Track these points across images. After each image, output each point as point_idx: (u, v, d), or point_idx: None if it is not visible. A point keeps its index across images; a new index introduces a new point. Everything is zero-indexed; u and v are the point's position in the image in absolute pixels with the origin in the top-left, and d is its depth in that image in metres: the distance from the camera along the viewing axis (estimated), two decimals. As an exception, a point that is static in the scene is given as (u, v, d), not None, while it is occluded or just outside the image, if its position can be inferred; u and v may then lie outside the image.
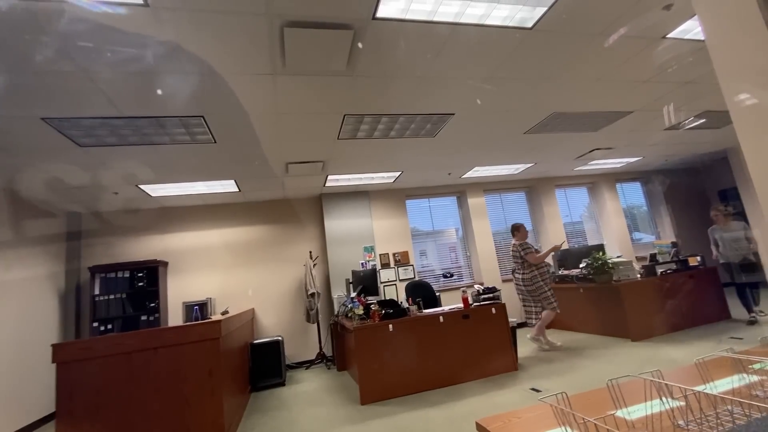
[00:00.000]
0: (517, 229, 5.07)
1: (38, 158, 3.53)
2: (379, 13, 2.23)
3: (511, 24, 2.49)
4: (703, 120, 5.02)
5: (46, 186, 4.24)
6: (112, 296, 5.08)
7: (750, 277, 4.82)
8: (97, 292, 5.06)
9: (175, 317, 5.45)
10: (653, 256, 5.68)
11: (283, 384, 4.79)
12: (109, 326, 4.99)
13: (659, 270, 5.31)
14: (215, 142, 3.64)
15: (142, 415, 2.79)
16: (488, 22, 2.44)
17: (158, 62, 2.40)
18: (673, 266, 5.41)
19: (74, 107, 2.77)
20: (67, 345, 2.88)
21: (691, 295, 5.08)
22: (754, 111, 0.93)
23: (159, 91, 2.70)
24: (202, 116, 3.14)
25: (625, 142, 5.64)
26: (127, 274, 5.21)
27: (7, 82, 2.39)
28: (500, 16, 2.41)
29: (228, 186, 5.10)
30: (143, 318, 5.12)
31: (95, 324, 4.93)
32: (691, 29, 2.85)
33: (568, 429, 0.87)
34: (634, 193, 8.27)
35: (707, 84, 3.86)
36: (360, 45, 2.47)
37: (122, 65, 2.37)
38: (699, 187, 8.31)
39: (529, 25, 2.53)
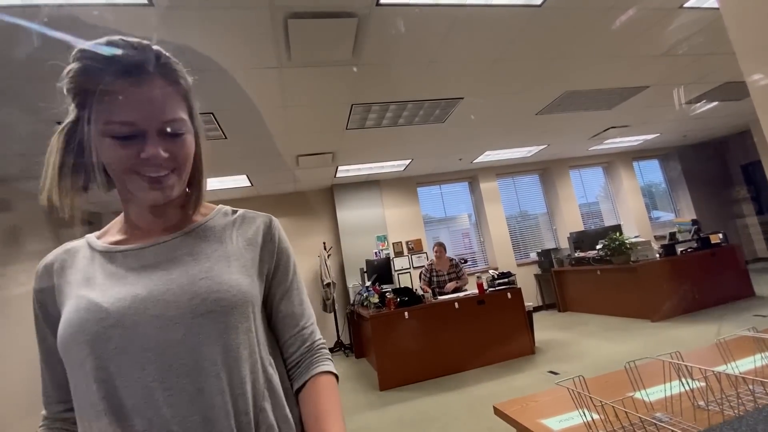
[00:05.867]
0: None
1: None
2: (383, -1, 2.19)
3: (518, 2, 2.42)
4: (722, 94, 4.82)
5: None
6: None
7: None
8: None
9: (196, 311, 5.59)
10: (673, 235, 5.56)
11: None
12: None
13: (679, 249, 5.20)
14: (225, 137, 3.67)
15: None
16: (495, 1, 2.37)
17: (166, 61, 2.41)
18: (694, 244, 5.29)
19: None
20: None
21: (712, 273, 4.96)
22: (777, 82, 0.88)
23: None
24: (212, 113, 3.16)
25: (642, 119, 5.47)
26: (147, 271, 5.33)
27: (18, 87, 2.44)
28: (507, -6, 2.34)
29: (240, 181, 5.16)
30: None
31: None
32: (709, -3, 2.72)
33: (586, 412, 0.88)
34: (652, 171, 8.05)
35: (727, 55, 3.70)
36: (363, 49, 2.43)
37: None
38: (720, 163, 8.04)
39: (538, 2, 2.45)
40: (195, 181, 0.67)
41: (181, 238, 0.64)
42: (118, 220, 0.70)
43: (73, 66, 0.57)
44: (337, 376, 0.70)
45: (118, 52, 0.56)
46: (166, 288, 0.57)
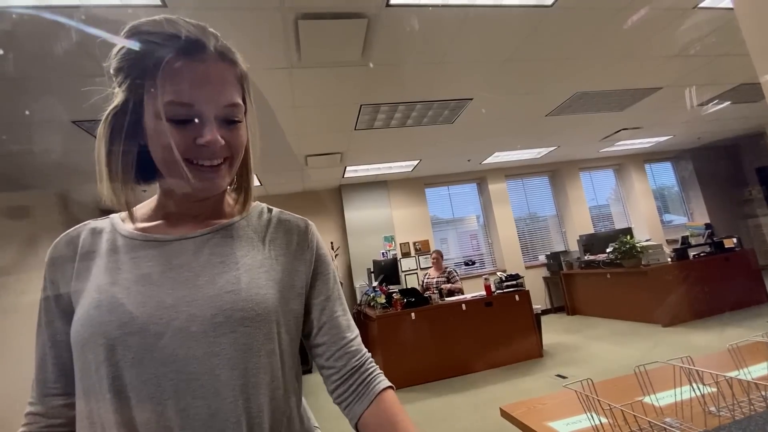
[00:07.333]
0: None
1: (72, 162, 3.69)
2: (393, 0, 2.20)
3: (529, 2, 2.41)
4: (737, 95, 4.73)
5: (83, 189, 4.44)
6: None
7: None
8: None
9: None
10: (685, 239, 5.46)
11: (309, 371, 4.92)
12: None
13: (691, 253, 5.11)
14: (236, 137, 3.71)
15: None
16: (505, 1, 2.36)
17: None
18: (707, 249, 5.19)
19: (101, 109, 2.87)
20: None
21: (725, 278, 4.87)
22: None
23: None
24: (222, 112, 3.20)
25: (654, 121, 5.40)
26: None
27: (36, 87, 2.50)
28: (518, -5, 2.33)
29: (250, 180, 5.21)
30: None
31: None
32: (725, -3, 2.68)
33: (594, 415, 0.87)
34: (664, 174, 7.93)
35: (743, 56, 3.63)
36: (371, 65, 2.44)
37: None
38: (735, 166, 7.88)
39: (549, 2, 2.43)
40: (243, 178, 0.62)
41: (210, 234, 0.59)
42: (147, 206, 0.63)
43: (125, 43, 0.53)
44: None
45: (176, 28, 0.52)
46: (192, 298, 0.52)
